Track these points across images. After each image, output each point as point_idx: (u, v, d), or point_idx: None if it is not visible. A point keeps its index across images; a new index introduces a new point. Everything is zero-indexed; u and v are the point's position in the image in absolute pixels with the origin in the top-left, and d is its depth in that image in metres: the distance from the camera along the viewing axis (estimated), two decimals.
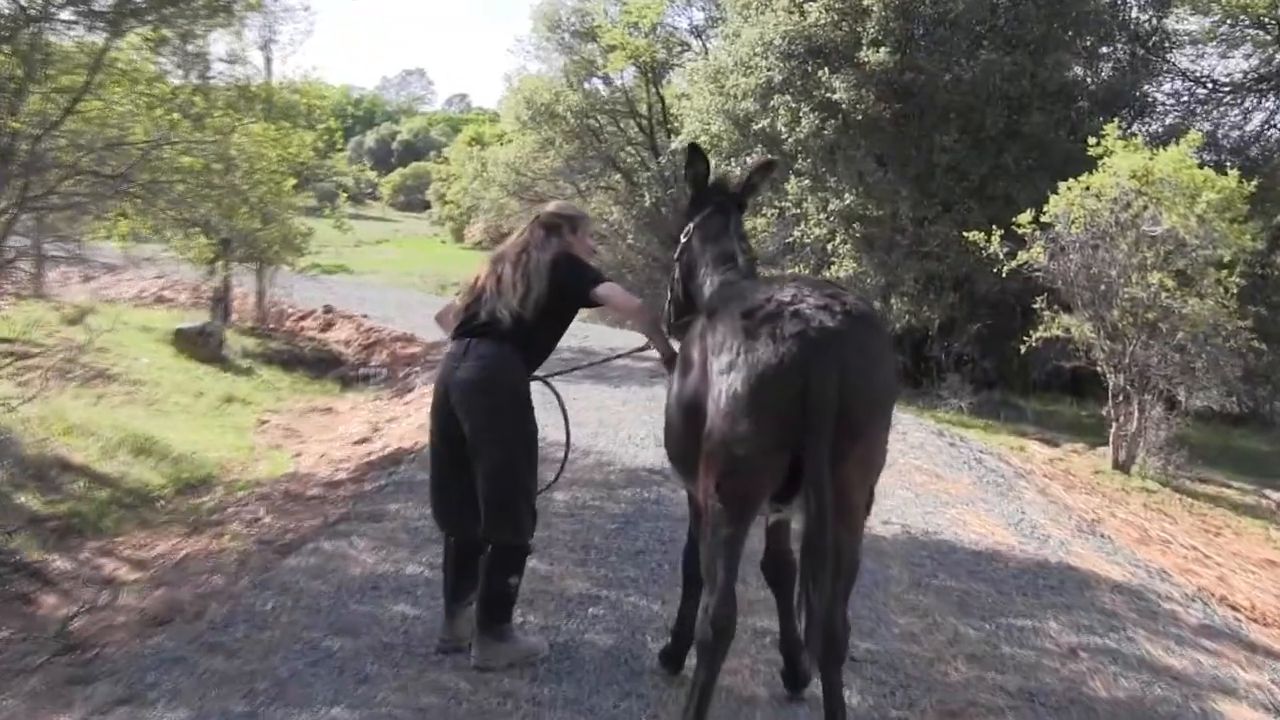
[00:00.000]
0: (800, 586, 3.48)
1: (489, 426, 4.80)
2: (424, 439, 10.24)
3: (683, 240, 4.63)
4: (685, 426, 3.89)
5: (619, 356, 6.57)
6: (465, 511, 4.97)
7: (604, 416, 11.54)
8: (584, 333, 22.07)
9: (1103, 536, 8.39)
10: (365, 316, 22.66)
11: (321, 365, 17.98)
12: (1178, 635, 6.04)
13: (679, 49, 32.22)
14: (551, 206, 5.31)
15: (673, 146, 27.28)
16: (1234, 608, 6.85)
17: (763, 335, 3.53)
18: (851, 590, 3.71)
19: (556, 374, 5.51)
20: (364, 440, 11.44)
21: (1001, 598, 6.47)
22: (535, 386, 5.07)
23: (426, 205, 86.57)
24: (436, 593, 5.47)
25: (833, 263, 19.65)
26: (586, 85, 33.33)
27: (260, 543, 7.29)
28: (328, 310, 23.11)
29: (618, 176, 32.85)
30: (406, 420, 12.20)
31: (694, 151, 4.55)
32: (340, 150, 18.97)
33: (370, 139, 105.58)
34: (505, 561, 4.93)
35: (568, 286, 4.85)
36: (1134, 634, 5.97)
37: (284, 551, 6.96)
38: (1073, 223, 12.53)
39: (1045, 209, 12.80)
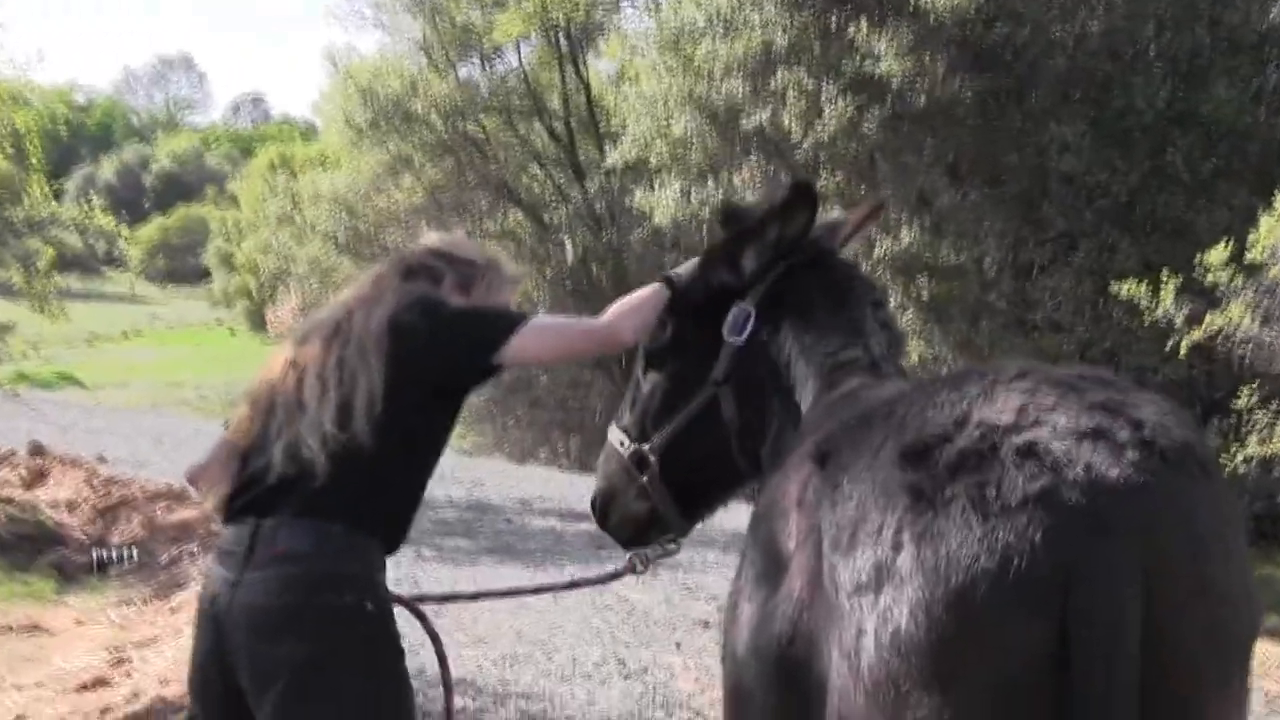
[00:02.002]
0: None
1: (310, 711, 3.95)
2: None
3: (732, 339, 4.01)
4: (775, 704, 3.14)
5: (583, 584, 5.60)
6: None
7: (524, 627, 10.77)
8: (469, 475, 21.31)
9: None
10: (102, 460, 21.72)
11: (25, 547, 16.83)
12: None
13: (611, 4, 32.08)
14: (430, 239, 4.75)
15: (608, 163, 27.15)
16: None
17: (956, 502, 2.72)
18: None
19: (445, 597, 5.27)
20: (98, 684, 10.53)
21: None
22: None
23: (204, 274, 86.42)
24: None
25: None
26: (462, 69, 33.48)
27: None
28: (37, 451, 22.02)
29: (519, 215, 32.77)
30: (175, 644, 11.22)
31: (799, 195, 4.02)
32: (38, 170, 18.06)
33: (109, 169, 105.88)
34: None
35: (436, 356, 4.13)
36: None
37: None
38: None
39: (1251, 241, 12.34)
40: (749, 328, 3.96)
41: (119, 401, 45.92)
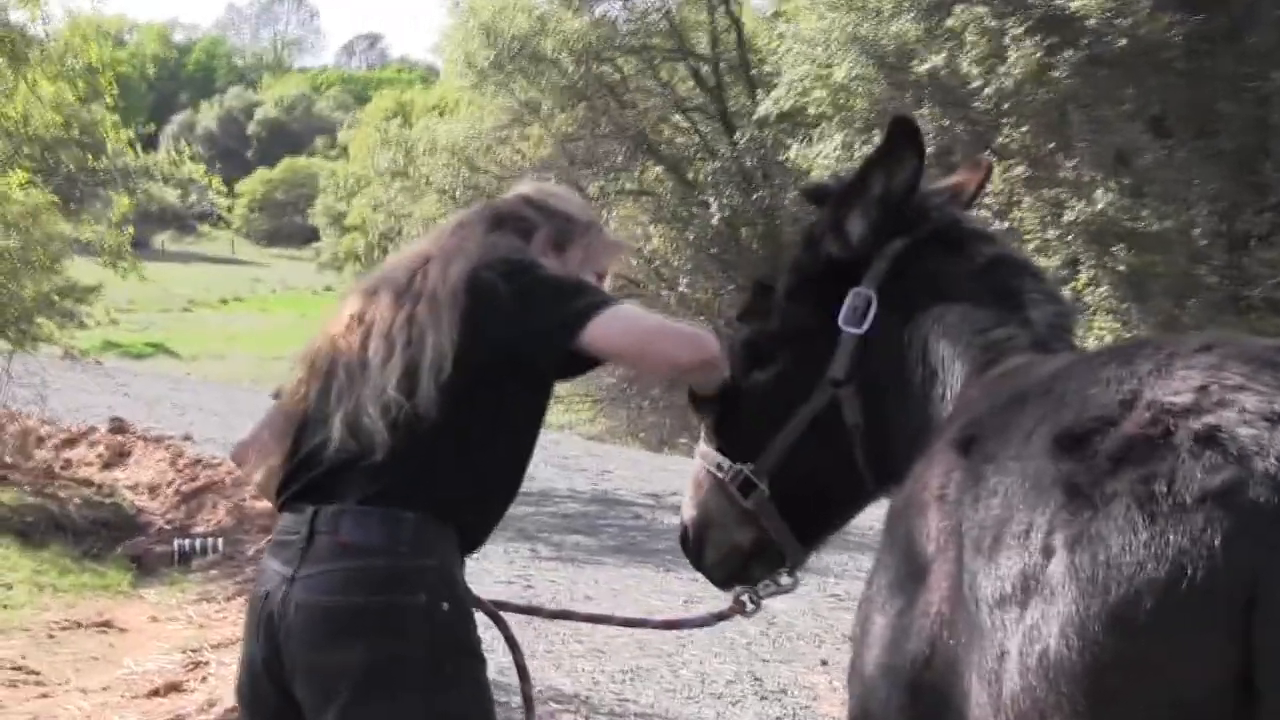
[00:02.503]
0: None
1: (375, 709, 3.86)
2: None
3: (851, 329, 3.76)
4: None
5: (684, 625, 5.52)
6: None
7: (648, 637, 10.66)
8: (596, 464, 21.28)
9: None
10: (188, 440, 21.95)
11: (101, 534, 17.10)
12: None
13: None
14: (523, 187, 4.62)
15: (760, 112, 27.02)
16: None
17: (1120, 499, 2.54)
18: None
19: (527, 609, 5.11)
20: (170, 689, 10.53)
21: None
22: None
23: (312, 234, 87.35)
24: None
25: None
26: (597, 5, 33.46)
27: None
28: (118, 428, 22.35)
29: (658, 171, 32.80)
30: None
31: (902, 134, 3.68)
32: (112, 108, 18.24)
33: (208, 116, 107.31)
34: None
35: (514, 324, 3.96)
36: None
37: None
38: None
39: None
40: (871, 314, 3.75)
41: (216, 375, 46.53)
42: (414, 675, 3.86)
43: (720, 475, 3.96)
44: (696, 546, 4.11)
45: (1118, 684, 2.46)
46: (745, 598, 4.14)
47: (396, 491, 3.87)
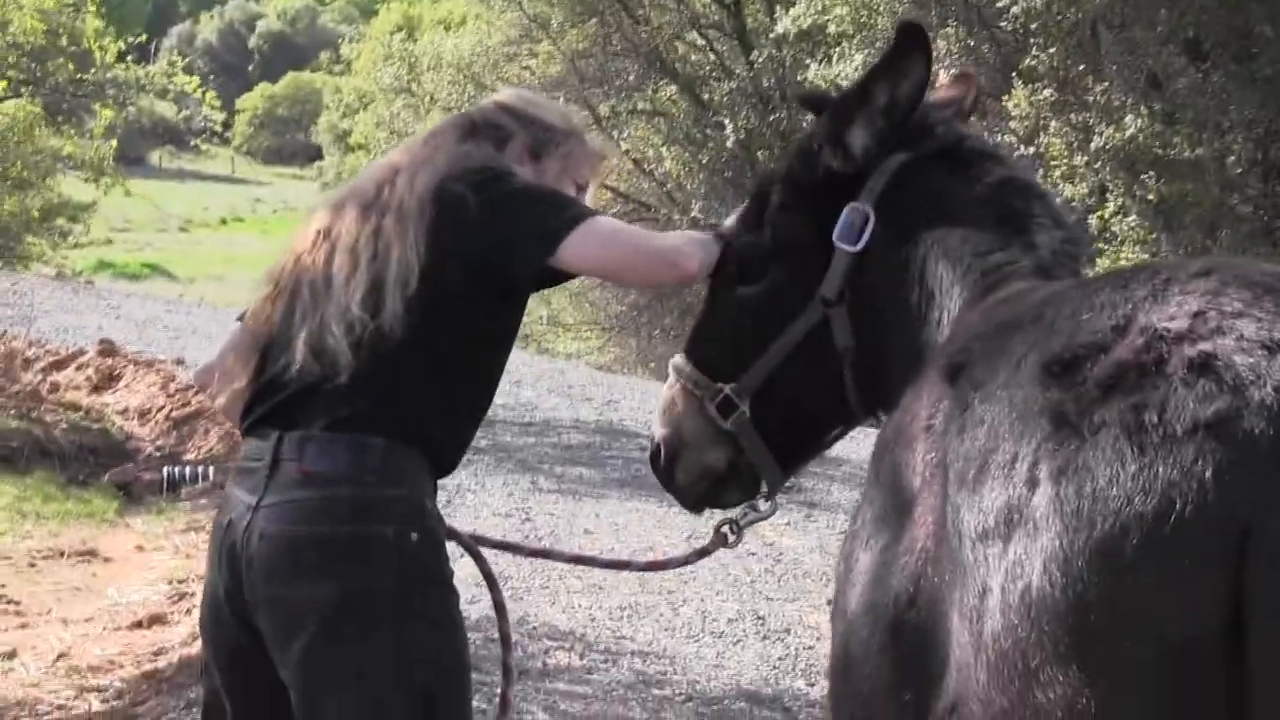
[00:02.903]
0: None
1: (343, 659, 3.84)
2: None
3: (845, 246, 3.74)
4: (887, 678, 2.97)
5: (668, 565, 5.41)
6: None
7: (646, 573, 10.53)
8: (602, 393, 21.22)
9: None
10: (180, 364, 21.81)
11: (87, 460, 17.04)
12: None
13: None
14: (502, 95, 4.70)
15: (779, 29, 26.81)
16: None
17: (1108, 429, 2.52)
18: None
19: (504, 545, 5.15)
20: (154, 621, 10.54)
21: None
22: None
23: (315, 153, 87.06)
24: None
25: (1101, 249, 18.92)
26: None
27: None
28: (107, 350, 22.25)
29: (672, 90, 32.69)
30: None
31: (910, 41, 3.66)
32: (96, 13, 18.09)
33: (208, 28, 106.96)
34: None
35: (484, 238, 3.94)
36: None
37: None
38: None
39: None
40: (869, 231, 3.70)
41: (213, 298, 46.48)
42: (382, 607, 3.81)
43: (698, 393, 3.91)
44: (668, 467, 4.06)
45: (1102, 622, 2.42)
46: (726, 529, 4.13)
47: (363, 415, 3.85)
